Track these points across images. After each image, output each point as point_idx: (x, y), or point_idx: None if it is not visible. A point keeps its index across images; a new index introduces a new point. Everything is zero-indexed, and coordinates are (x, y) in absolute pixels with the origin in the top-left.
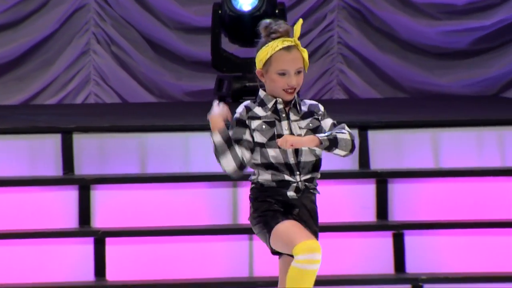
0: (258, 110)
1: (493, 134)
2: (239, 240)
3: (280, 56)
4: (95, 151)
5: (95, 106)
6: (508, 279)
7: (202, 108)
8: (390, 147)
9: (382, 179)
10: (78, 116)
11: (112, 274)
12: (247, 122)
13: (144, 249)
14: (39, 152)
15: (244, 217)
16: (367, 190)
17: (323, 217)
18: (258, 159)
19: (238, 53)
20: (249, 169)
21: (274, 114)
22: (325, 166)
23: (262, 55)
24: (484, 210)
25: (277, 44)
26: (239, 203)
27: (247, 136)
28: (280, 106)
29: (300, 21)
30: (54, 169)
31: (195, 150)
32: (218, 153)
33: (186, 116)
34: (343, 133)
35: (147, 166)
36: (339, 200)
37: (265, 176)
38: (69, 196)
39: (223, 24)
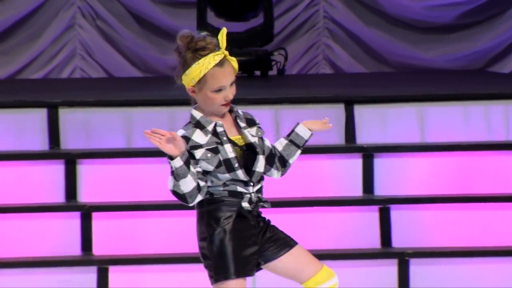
0: (197, 136)
1: (479, 108)
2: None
3: (214, 73)
4: (81, 126)
5: (81, 80)
6: (493, 253)
7: None
8: (376, 122)
9: (368, 154)
10: (64, 90)
11: (98, 248)
12: (190, 152)
13: (131, 223)
14: (25, 127)
15: None
16: (353, 164)
17: (310, 192)
18: (211, 167)
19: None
20: None
21: (215, 137)
22: (311, 141)
23: (194, 74)
24: (470, 184)
25: (209, 62)
26: None
27: (197, 168)
28: (220, 129)
29: (224, 30)
30: (40, 143)
31: (180, 124)
32: (178, 177)
33: (172, 90)
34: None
35: (133, 141)
36: (325, 175)
37: (216, 186)
38: (56, 170)
39: None
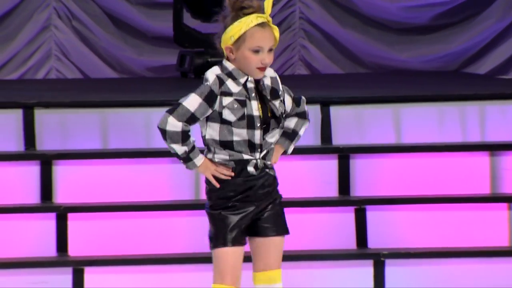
0: (230, 84)
1: (454, 109)
2: (201, 215)
3: (255, 32)
4: (56, 127)
5: (57, 81)
6: (468, 254)
7: (163, 83)
8: (352, 123)
9: (344, 155)
10: (39, 91)
11: (74, 249)
12: (218, 98)
13: (106, 224)
14: (0, 128)
15: None
16: (329, 165)
17: (285, 193)
18: (216, 136)
19: (200, 29)
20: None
21: (245, 90)
22: None
23: (234, 31)
24: (445, 185)
25: (251, 20)
26: (201, 178)
27: (208, 113)
28: (250, 85)
29: None
30: (16, 144)
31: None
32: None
33: (148, 91)
34: (303, 121)
35: (109, 142)
36: (301, 176)
37: (222, 156)
38: (31, 171)
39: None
